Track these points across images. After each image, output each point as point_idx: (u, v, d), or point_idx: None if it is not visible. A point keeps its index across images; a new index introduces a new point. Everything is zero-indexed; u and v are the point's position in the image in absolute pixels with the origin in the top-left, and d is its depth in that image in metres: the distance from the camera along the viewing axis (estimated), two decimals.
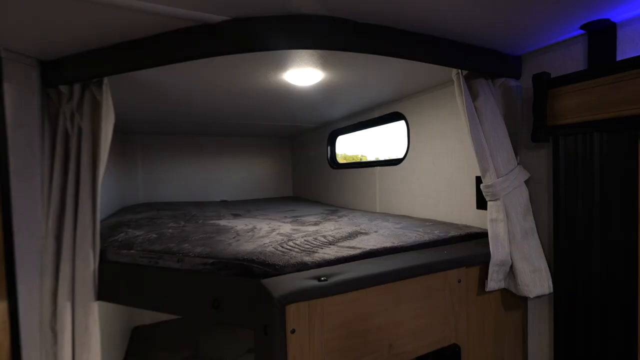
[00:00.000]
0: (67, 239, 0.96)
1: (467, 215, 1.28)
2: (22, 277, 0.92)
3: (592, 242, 0.85)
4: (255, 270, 0.77)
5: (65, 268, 0.95)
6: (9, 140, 0.90)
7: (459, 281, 0.89)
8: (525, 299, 1.04)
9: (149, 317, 2.59)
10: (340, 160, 2.43)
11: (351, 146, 2.59)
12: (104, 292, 0.96)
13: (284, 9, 0.72)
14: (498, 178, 0.96)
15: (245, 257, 0.81)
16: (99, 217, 0.99)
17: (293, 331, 0.66)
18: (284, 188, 3.08)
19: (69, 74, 0.96)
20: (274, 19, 0.73)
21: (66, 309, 0.94)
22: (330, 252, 0.86)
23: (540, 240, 0.99)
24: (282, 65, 1.07)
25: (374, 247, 0.90)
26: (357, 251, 0.87)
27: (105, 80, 0.97)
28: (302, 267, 0.78)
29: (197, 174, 2.71)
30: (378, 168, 1.85)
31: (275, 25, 0.72)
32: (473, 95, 1.01)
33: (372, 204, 1.89)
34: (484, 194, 0.99)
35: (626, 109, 0.77)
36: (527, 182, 1.01)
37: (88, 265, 0.95)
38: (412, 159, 1.59)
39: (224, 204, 2.43)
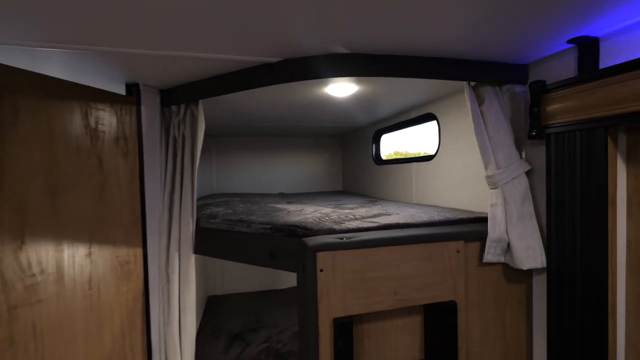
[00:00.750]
0: (176, 210, 1.41)
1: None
2: (149, 235, 1.38)
3: (574, 223, 1.01)
4: (299, 232, 1.10)
5: (174, 230, 1.40)
6: (144, 141, 1.36)
7: (457, 251, 1.11)
8: (529, 275, 1.21)
9: (220, 289, 3.13)
10: (392, 156, 2.67)
11: (401, 143, 2.81)
12: (198, 248, 1.38)
13: (317, 51, 1.03)
14: (497, 170, 1.15)
15: (292, 224, 1.15)
16: (195, 196, 1.42)
17: (321, 270, 0.98)
18: (334, 183, 3.41)
19: (177, 98, 1.40)
20: (311, 58, 1.05)
21: (174, 258, 1.39)
22: (354, 224, 1.15)
23: (540, 223, 1.15)
24: (323, 82, 1.39)
25: (389, 222, 1.17)
26: (375, 224, 1.15)
27: (200, 101, 1.39)
28: (331, 232, 1.09)
29: (259, 170, 3.19)
30: (414, 164, 2.06)
31: (312, 63, 1.04)
32: (479, 100, 1.21)
33: (408, 196, 2.12)
34: (486, 182, 1.18)
35: (599, 111, 0.92)
36: (528, 173, 1.18)
37: (189, 229, 1.39)
38: (442, 155, 1.79)
39: (282, 195, 2.84)
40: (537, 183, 1.18)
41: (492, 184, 1.16)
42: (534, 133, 1.12)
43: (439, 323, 1.09)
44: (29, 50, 0.97)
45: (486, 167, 1.18)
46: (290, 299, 3.00)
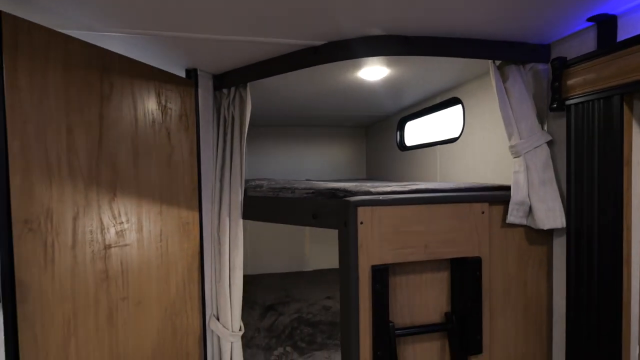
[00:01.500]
0: (226, 181, 1.59)
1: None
2: (203, 201, 1.58)
3: (592, 185, 1.11)
4: (339, 194, 1.26)
5: (225, 198, 1.58)
6: (200, 121, 1.56)
7: (482, 212, 1.23)
8: (549, 237, 1.31)
9: (251, 269, 3.33)
10: None
11: (423, 134, 2.90)
12: (246, 214, 1.57)
13: (356, 34, 1.18)
14: (520, 140, 1.26)
15: (333, 188, 1.30)
16: (244, 169, 1.60)
17: (362, 223, 1.13)
18: (358, 170, 3.56)
19: (228, 82, 1.59)
20: (351, 40, 1.20)
21: (225, 222, 1.57)
22: (388, 189, 1.30)
23: (560, 189, 1.25)
24: (357, 66, 1.54)
25: (420, 188, 1.31)
26: (407, 189, 1.29)
27: (248, 85, 1.57)
28: (368, 194, 1.23)
29: (286, 158, 3.38)
30: (438, 146, 2.18)
31: (352, 44, 1.19)
32: (504, 78, 1.32)
33: (433, 177, 2.23)
34: (510, 152, 1.30)
35: (615, 80, 1.03)
36: (550, 145, 1.28)
37: (238, 197, 1.57)
38: (467, 136, 1.90)
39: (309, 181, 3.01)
40: (558, 154, 1.28)
41: (515, 152, 1.27)
42: (555, 105, 1.22)
43: (465, 277, 1.22)
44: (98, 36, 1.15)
45: (510, 138, 1.29)
46: (316, 279, 3.17)
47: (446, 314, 1.28)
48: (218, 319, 1.58)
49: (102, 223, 1.10)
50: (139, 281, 1.23)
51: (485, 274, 1.25)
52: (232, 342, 1.57)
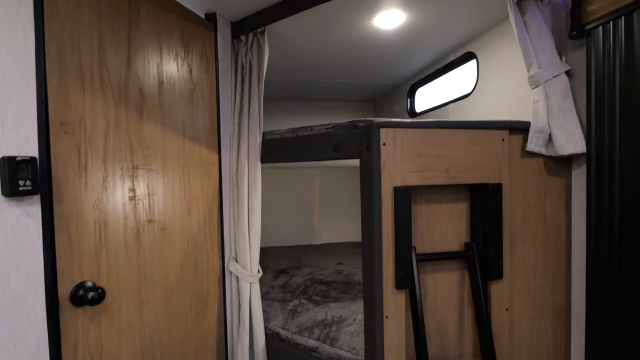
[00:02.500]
0: (244, 126, 1.62)
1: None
2: (222, 144, 1.60)
3: (614, 108, 1.12)
4: (359, 124, 1.27)
5: (243, 142, 1.61)
6: (219, 66, 1.58)
7: (502, 140, 1.25)
8: (569, 168, 1.32)
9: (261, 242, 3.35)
10: None
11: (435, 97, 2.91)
12: (265, 157, 1.59)
13: None
14: (539, 69, 1.27)
15: (354, 120, 1.32)
16: (262, 113, 1.62)
17: (384, 144, 1.14)
18: None
19: (246, 27, 1.61)
20: None
21: (244, 166, 1.60)
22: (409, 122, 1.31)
23: (580, 119, 1.26)
24: (373, 10, 1.55)
25: (441, 120, 1.32)
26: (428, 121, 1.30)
27: (265, 29, 1.59)
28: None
29: None
30: (451, 105, 2.19)
31: None
32: (522, 12, 1.33)
33: None
34: (529, 83, 1.31)
35: None
36: (569, 73, 1.29)
37: (256, 140, 1.59)
38: (481, 89, 1.91)
39: None
40: (577, 87, 1.28)
41: (534, 82, 1.29)
42: (575, 33, 1.23)
43: (485, 203, 1.23)
44: None
45: (528, 69, 1.30)
46: (327, 250, 3.19)
47: (466, 244, 1.29)
48: (237, 262, 1.60)
49: (130, 143, 1.12)
50: (163, 208, 1.25)
51: (505, 203, 1.26)
52: (250, 284, 1.59)
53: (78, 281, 0.95)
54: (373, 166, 1.15)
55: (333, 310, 1.75)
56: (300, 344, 1.53)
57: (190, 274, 1.38)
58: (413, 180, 1.17)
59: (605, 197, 1.16)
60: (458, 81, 2.24)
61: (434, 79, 2.45)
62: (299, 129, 1.49)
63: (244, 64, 1.65)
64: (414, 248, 1.21)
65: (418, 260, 1.21)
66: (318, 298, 1.98)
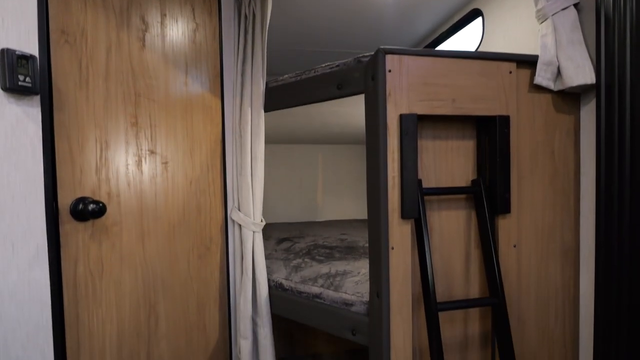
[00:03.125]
0: (247, 74, 1.60)
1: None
2: (225, 91, 1.58)
3: (624, 39, 1.09)
4: (363, 59, 1.25)
5: (246, 89, 1.59)
6: (222, 16, 1.56)
7: (510, 72, 1.22)
8: (577, 105, 1.30)
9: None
10: None
11: None
12: (268, 105, 1.57)
13: None
14: (547, 1, 1.25)
15: (358, 55, 1.30)
16: (266, 61, 1.60)
17: (389, 71, 1.12)
18: None
19: None
20: None
21: (247, 113, 1.58)
22: None
23: (588, 50, 1.23)
24: None
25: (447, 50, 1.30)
26: None
27: None
28: None
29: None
30: None
31: None
32: None
33: None
34: (536, 17, 1.28)
35: None
36: (577, 7, 1.26)
37: (260, 87, 1.57)
38: (485, 47, 1.88)
39: None
40: (586, 19, 1.26)
41: (542, 16, 1.26)
42: None
43: (492, 137, 1.21)
44: None
45: (536, 3, 1.28)
46: (330, 225, 3.16)
47: (472, 181, 1.26)
48: (239, 210, 1.59)
49: (132, 68, 1.11)
50: (165, 143, 1.24)
51: (512, 137, 1.23)
52: (254, 232, 1.57)
53: (79, 195, 0.93)
54: (379, 94, 1.13)
55: (337, 266, 1.73)
56: (303, 291, 1.51)
57: (193, 215, 1.36)
58: (419, 109, 1.15)
59: (615, 131, 1.13)
60: (462, 43, 2.22)
61: (440, 43, 2.43)
62: (302, 72, 1.48)
63: (247, 14, 1.64)
64: (420, 181, 1.18)
65: (424, 194, 1.19)
66: (321, 258, 1.96)
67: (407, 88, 1.14)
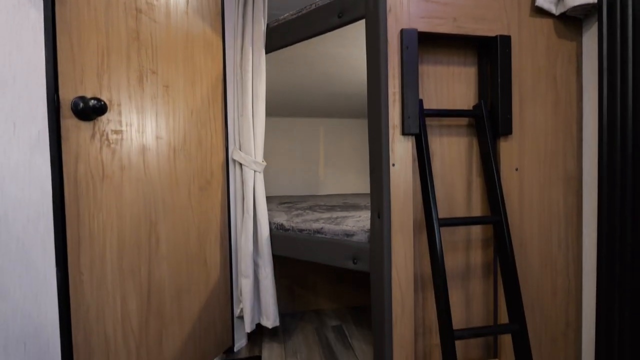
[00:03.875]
0: (249, 15, 1.60)
1: None
2: (226, 38, 1.58)
3: None
4: None
5: (248, 30, 1.59)
6: None
7: None
8: (579, 31, 1.29)
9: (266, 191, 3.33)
10: None
11: None
12: (268, 46, 1.57)
13: None
14: None
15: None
16: (267, 3, 1.60)
17: None
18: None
19: None
20: None
21: (248, 53, 1.58)
22: None
23: None
24: None
25: None
26: None
27: None
28: None
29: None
30: None
31: None
32: None
33: None
34: None
35: None
36: None
37: (261, 27, 1.57)
38: None
39: None
40: None
41: None
42: None
43: (494, 59, 1.20)
44: None
45: None
46: (331, 197, 3.16)
47: (474, 105, 1.26)
48: (240, 150, 1.59)
49: None
50: (166, 65, 1.24)
51: (514, 60, 1.23)
52: (255, 172, 1.57)
53: (80, 94, 0.93)
54: (379, 9, 1.13)
55: (338, 214, 1.73)
56: (304, 229, 1.50)
57: (194, 144, 1.36)
58: (420, 25, 1.15)
59: (617, 58, 1.12)
60: None
61: None
62: (302, 8, 1.48)
63: None
64: (421, 100, 1.18)
65: (425, 115, 1.18)
66: (323, 210, 1.95)
67: (408, 4, 1.14)
